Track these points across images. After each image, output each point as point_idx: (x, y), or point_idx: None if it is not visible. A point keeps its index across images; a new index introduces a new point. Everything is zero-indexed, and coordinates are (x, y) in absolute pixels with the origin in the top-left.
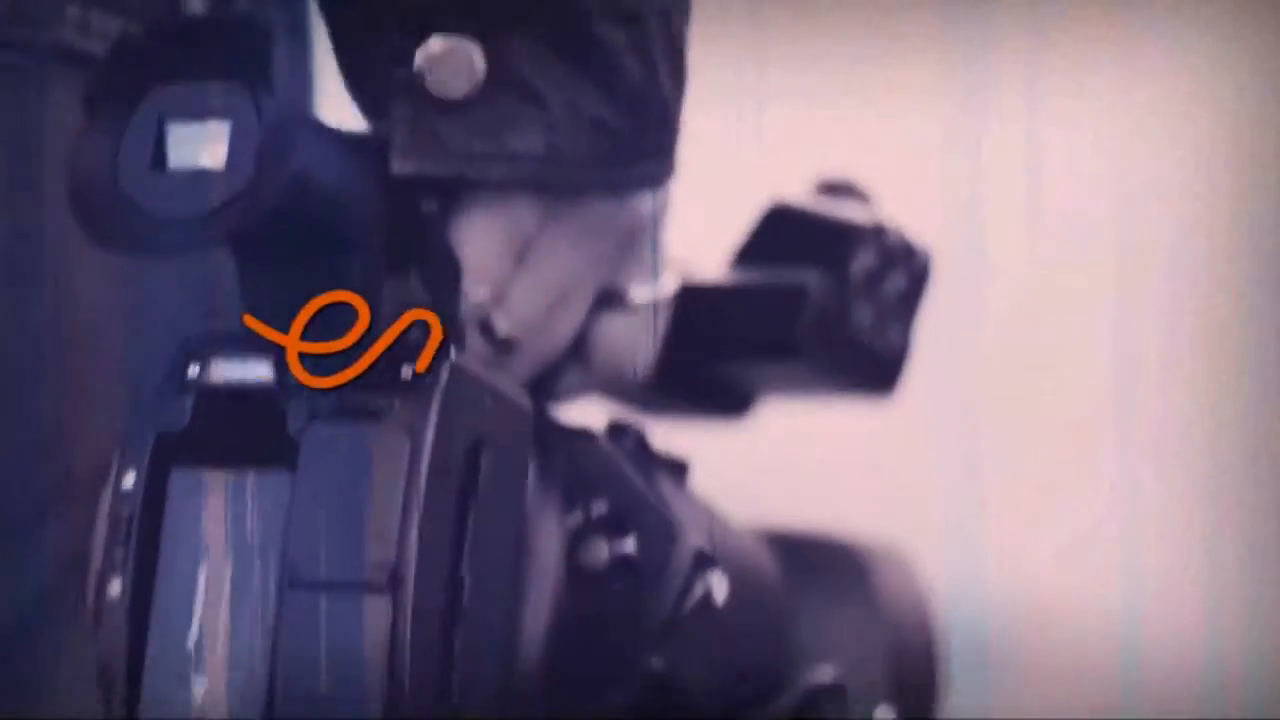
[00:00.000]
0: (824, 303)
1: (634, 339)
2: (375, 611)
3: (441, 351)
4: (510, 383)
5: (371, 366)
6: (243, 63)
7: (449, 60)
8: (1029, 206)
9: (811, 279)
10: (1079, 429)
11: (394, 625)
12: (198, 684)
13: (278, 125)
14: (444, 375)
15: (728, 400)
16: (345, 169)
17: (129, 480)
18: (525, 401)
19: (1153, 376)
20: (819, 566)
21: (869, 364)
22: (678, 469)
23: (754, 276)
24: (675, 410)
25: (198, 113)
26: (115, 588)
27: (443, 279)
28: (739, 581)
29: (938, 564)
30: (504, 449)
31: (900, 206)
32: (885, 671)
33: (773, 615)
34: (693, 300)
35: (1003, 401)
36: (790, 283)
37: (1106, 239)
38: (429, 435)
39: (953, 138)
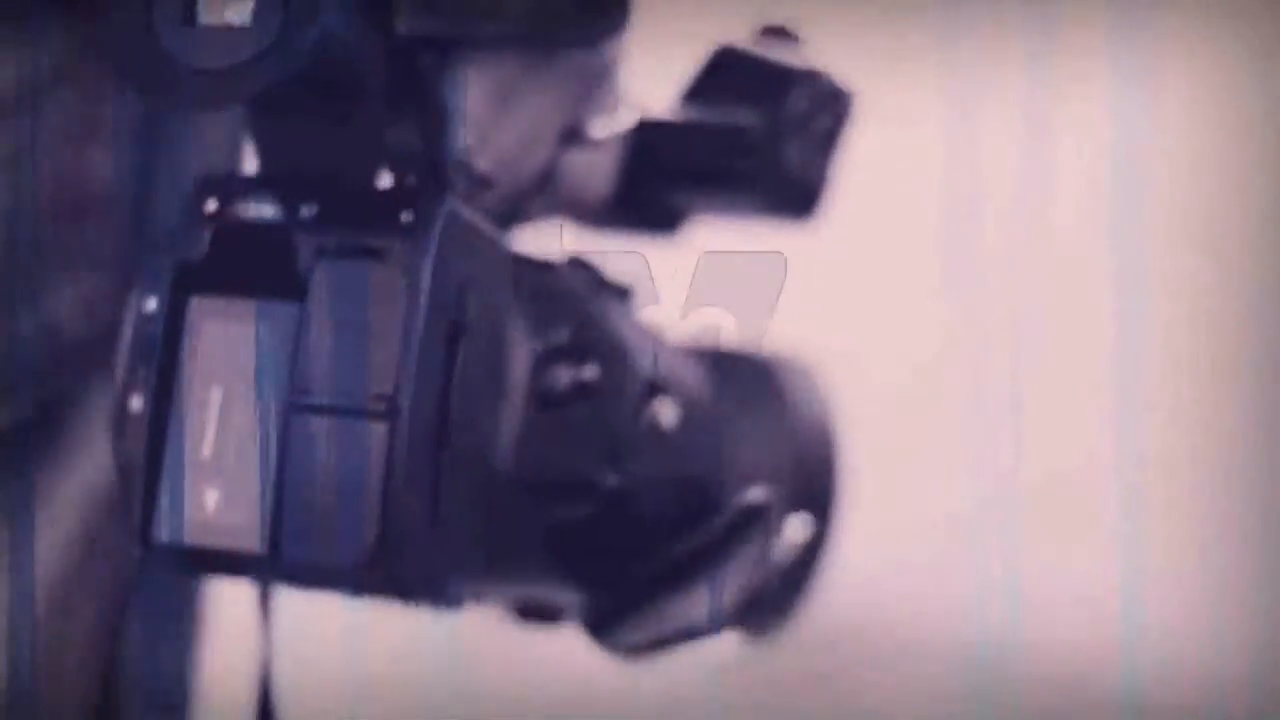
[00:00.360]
0: (759, 139)
1: (593, 170)
2: (373, 436)
3: (437, 197)
4: (491, 224)
5: (374, 210)
6: None
7: None
8: (1027, 205)
9: (750, 117)
10: (1078, 428)
11: (390, 448)
12: (210, 494)
13: None
14: (439, 220)
15: (665, 219)
16: (358, 28)
17: (151, 304)
18: (506, 244)
19: (1153, 376)
20: (740, 382)
21: (795, 194)
22: (625, 295)
23: (700, 114)
24: (620, 228)
25: None
26: (136, 403)
27: (436, 127)
28: (683, 405)
29: (937, 569)
30: (488, 288)
31: (902, 205)
32: (796, 482)
33: (711, 436)
34: (646, 135)
35: (1002, 402)
36: (731, 121)
37: (1108, 238)
38: (426, 276)
39: (953, 137)
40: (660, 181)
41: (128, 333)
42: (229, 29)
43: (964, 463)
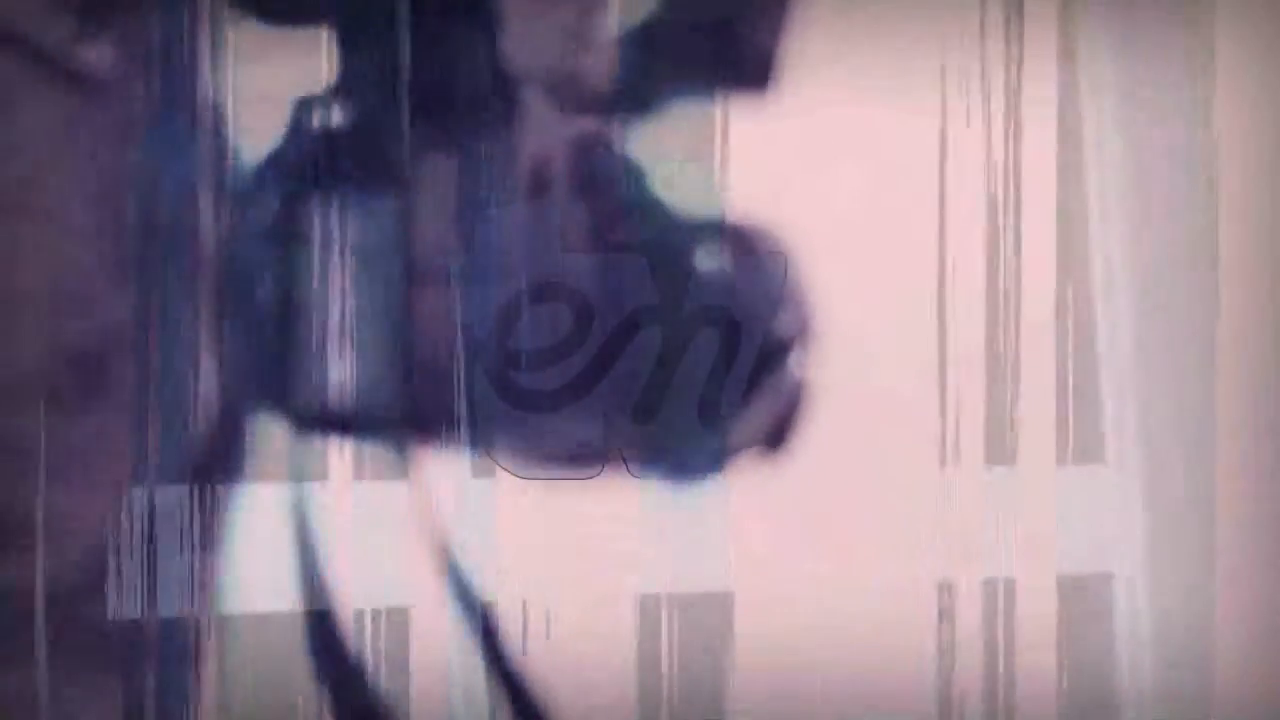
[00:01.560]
0: (731, 28)
1: (597, 67)
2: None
3: (505, 91)
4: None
5: (459, 108)
6: None
7: None
8: (1027, 205)
9: (721, 8)
10: (1075, 428)
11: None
12: (346, 362)
13: None
14: (517, 110)
15: (648, 106)
16: None
17: (271, 207)
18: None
19: (1154, 376)
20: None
21: (757, 70)
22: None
23: (679, 11)
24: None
25: None
26: (264, 291)
27: (485, 31)
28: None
29: (939, 572)
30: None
31: (901, 205)
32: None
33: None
34: (638, 35)
35: (1001, 401)
36: (706, 15)
37: (1108, 239)
38: (518, 155)
39: (956, 136)
40: (651, 74)
41: (248, 234)
42: None
43: (957, 461)
